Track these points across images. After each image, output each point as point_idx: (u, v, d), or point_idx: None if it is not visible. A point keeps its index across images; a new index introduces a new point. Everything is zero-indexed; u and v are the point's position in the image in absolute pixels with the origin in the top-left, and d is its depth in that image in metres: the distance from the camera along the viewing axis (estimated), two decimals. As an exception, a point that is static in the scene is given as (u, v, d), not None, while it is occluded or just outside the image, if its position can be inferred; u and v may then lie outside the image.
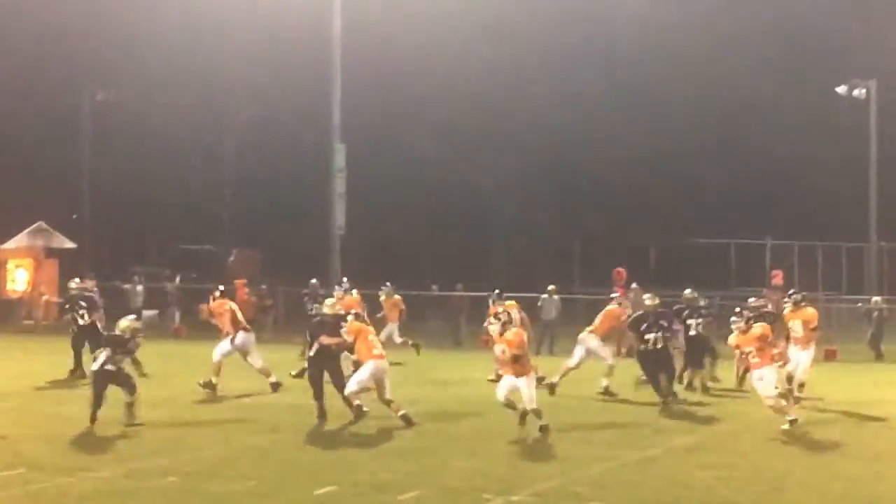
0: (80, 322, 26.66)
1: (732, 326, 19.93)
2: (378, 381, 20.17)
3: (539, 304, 37.25)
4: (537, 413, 19.04)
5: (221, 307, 24.98)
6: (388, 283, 33.47)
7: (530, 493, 14.97)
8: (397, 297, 33.31)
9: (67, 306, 27.20)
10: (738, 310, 20.84)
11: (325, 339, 20.44)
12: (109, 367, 19.52)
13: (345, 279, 32.90)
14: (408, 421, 19.91)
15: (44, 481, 15.30)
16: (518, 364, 19.21)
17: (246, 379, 24.96)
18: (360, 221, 47.61)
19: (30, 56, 56.55)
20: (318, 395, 20.44)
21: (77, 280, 28.36)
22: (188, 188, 60.15)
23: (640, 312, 23.15)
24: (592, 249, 56.90)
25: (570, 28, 58.54)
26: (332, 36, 43.92)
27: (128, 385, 19.63)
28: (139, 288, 44.45)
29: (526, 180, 60.53)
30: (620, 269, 40.87)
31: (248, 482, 15.37)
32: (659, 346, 22.57)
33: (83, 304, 26.88)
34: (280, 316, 43.06)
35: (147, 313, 42.21)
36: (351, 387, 20.08)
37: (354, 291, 30.54)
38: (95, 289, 29.90)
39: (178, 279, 45.85)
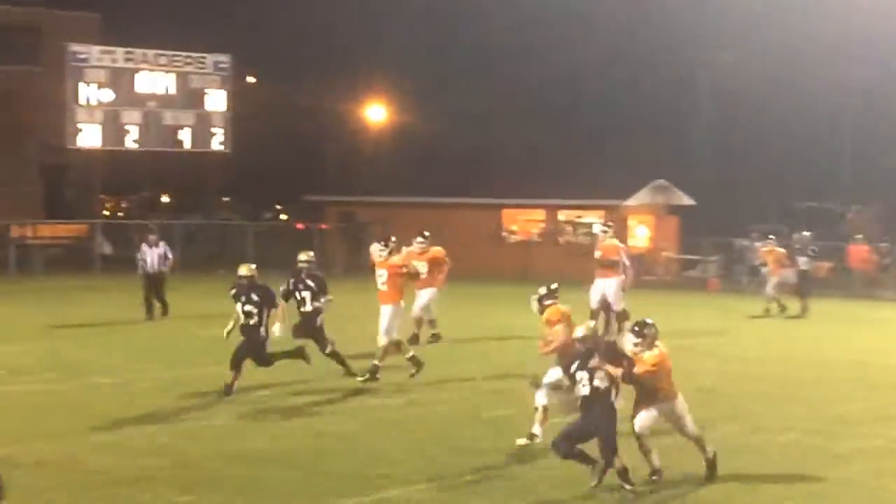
0: (302, 308, 19.93)
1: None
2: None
3: None
4: None
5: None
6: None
7: None
8: None
9: (293, 280, 20.01)
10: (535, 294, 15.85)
11: None
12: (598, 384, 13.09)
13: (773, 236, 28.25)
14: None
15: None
16: None
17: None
18: None
19: (651, 19, 57.67)
20: None
21: (309, 253, 20.62)
22: (807, 145, 59.37)
23: None
24: None
25: None
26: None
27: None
28: (757, 245, 44.34)
29: None
30: None
31: None
32: None
33: (311, 283, 20.00)
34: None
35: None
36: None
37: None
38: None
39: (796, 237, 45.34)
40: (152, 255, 28.88)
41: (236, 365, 18.62)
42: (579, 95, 63.17)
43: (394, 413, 17.47)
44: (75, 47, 46.93)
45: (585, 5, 59.57)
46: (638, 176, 48.58)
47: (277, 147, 73.09)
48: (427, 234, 24.75)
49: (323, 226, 48.79)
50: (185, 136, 48.93)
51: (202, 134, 49.22)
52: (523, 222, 49.65)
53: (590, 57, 61.68)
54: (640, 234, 48.99)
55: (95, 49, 47.60)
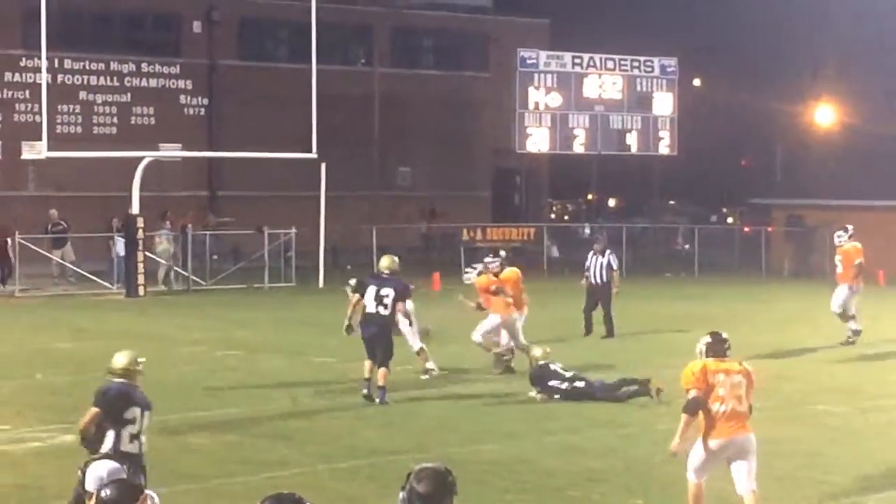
0: None
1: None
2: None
3: None
4: None
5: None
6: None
7: None
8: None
9: None
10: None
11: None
12: None
13: None
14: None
15: None
16: None
17: None
18: None
19: None
20: None
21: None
22: None
23: None
24: None
25: None
26: None
27: None
28: None
29: None
30: None
31: None
32: None
33: None
34: None
35: None
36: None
37: None
38: None
39: None
40: (595, 264, 26.39)
41: None
42: None
43: (839, 420, 16.93)
44: (524, 53, 47.99)
45: None
46: None
47: (723, 150, 72.39)
48: (503, 253, 22.98)
49: (769, 229, 47.88)
50: (632, 140, 49.29)
51: (649, 137, 49.45)
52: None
53: None
54: None
55: (543, 54, 48.53)
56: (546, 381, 18.66)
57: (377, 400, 17.98)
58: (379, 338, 18.21)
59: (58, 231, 37.84)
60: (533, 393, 18.64)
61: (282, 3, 49.91)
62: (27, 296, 34.26)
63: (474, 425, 16.75)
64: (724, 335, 11.76)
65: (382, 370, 18.14)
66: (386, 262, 18.83)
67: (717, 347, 11.61)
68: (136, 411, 10.61)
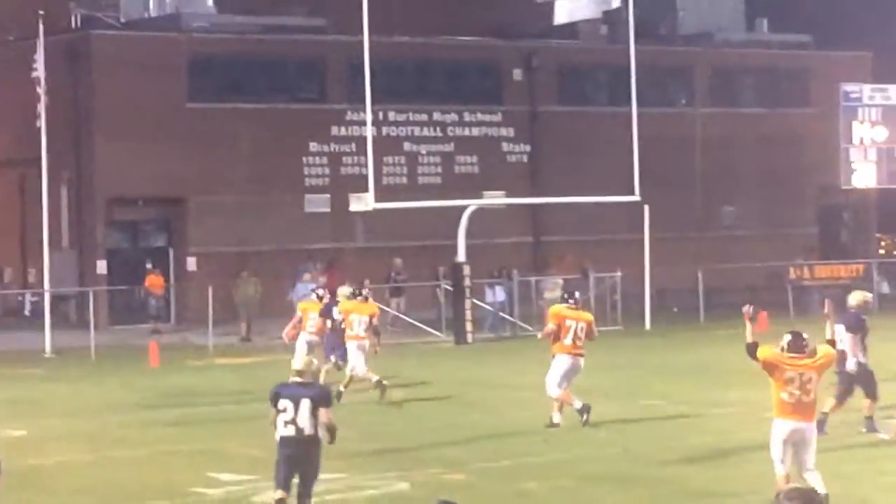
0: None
1: None
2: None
3: None
4: None
5: None
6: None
7: None
8: None
9: None
10: None
11: None
12: None
13: None
14: None
15: None
16: None
17: None
18: None
19: None
20: None
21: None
22: None
23: None
24: None
25: None
26: None
27: None
28: None
29: None
30: None
31: None
32: None
33: None
34: None
35: None
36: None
37: None
38: None
39: None
40: None
41: None
42: None
43: None
44: (847, 87, 46.95)
45: None
46: None
47: None
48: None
49: None
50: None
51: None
52: None
53: None
54: None
55: (867, 88, 47.39)
56: None
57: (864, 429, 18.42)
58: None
59: (400, 280, 38.96)
60: (882, 434, 18.11)
61: (599, 48, 50.19)
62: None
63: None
64: (805, 335, 13.53)
65: (868, 402, 18.47)
66: (851, 298, 18.81)
67: (797, 344, 13.39)
68: (286, 402, 12.87)
